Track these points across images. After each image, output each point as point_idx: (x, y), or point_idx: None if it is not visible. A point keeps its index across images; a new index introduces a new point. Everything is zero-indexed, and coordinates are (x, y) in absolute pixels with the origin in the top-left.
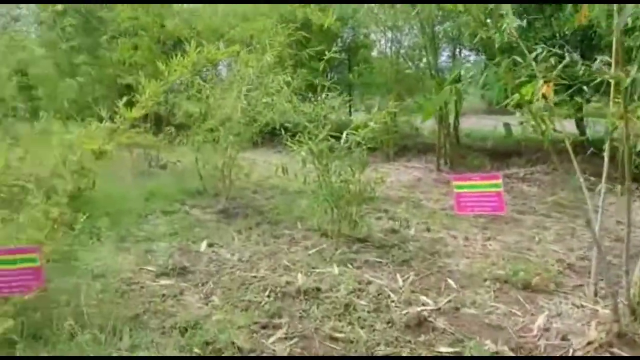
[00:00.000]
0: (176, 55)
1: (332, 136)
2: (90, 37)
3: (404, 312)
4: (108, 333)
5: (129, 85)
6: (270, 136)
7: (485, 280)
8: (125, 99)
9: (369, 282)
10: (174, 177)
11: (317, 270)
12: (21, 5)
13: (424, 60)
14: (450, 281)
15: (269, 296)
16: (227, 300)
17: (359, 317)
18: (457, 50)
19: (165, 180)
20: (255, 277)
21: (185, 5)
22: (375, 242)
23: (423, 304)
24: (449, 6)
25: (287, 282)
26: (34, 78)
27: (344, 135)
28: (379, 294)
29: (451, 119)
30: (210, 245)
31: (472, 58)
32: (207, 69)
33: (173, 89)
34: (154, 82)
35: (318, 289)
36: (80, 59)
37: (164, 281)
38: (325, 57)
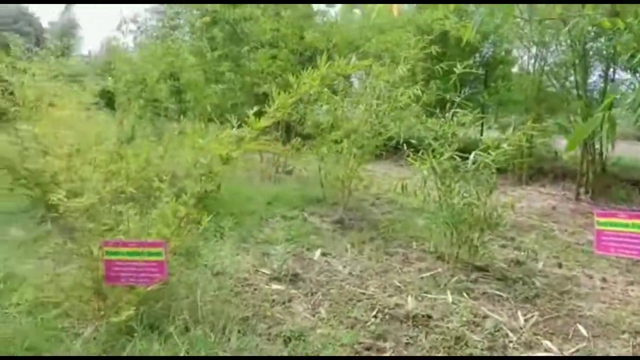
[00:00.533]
0: (311, 67)
1: (458, 155)
2: (235, 47)
3: (522, 355)
4: (218, 332)
5: (265, 94)
6: (394, 149)
7: (623, 332)
8: (255, 108)
9: (486, 317)
10: (297, 184)
11: (430, 296)
12: (180, 16)
13: (571, 78)
14: (580, 327)
15: (375, 316)
16: (333, 314)
17: (471, 354)
18: (610, 70)
19: (289, 186)
20: (364, 294)
21: (324, 18)
22: (497, 273)
23: (546, 350)
24: (605, 22)
25: (396, 304)
26: (184, 83)
27: (471, 156)
28: (495, 331)
29: (597, 144)
30: (323, 254)
31: (628, 79)
32: (338, 81)
33: (303, 100)
34: (283, 94)
35: (429, 316)
36: (224, 67)
37: (275, 286)
38: (458, 72)
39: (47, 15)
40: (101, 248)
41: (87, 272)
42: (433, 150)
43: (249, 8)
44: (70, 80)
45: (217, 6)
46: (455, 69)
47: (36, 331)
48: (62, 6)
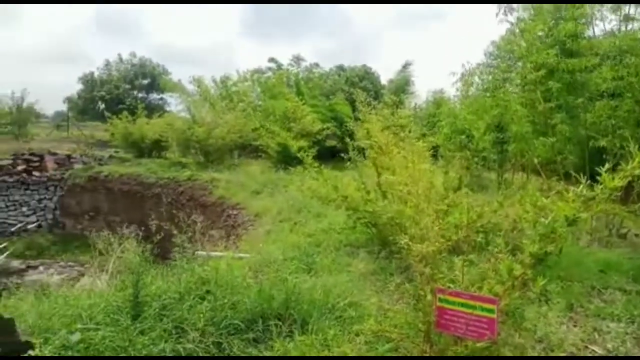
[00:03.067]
0: None
1: None
2: (571, 98)
3: None
4: None
5: (602, 148)
6: None
7: None
8: (607, 165)
9: None
10: (633, 250)
11: None
12: (512, 69)
13: None
14: None
15: None
16: None
17: None
18: None
19: (623, 251)
20: None
21: None
22: None
23: None
24: None
25: None
26: (512, 135)
27: None
28: None
29: None
30: None
31: None
32: None
33: None
34: None
35: None
36: (556, 119)
37: None
38: None
39: (386, 74)
40: (435, 294)
41: (419, 314)
42: None
43: (586, 58)
44: (399, 130)
45: (552, 59)
46: None
47: None
48: (399, 66)
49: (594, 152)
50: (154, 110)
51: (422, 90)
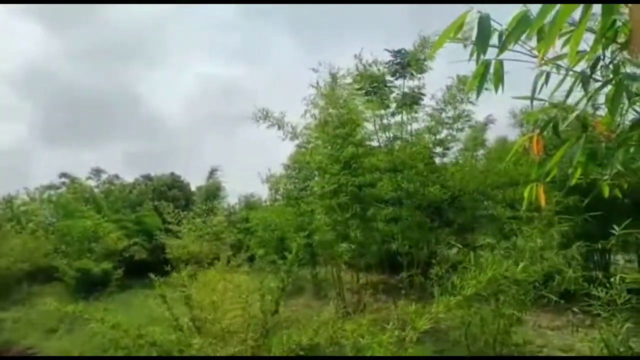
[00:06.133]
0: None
1: None
2: (361, 208)
3: None
4: None
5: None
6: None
7: None
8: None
9: None
10: (434, 341)
11: None
12: (310, 177)
13: None
14: None
15: None
16: None
17: None
18: None
19: (429, 346)
20: None
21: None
22: None
23: None
24: None
25: None
26: (317, 242)
27: None
28: None
29: None
30: None
31: None
32: None
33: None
34: (446, 298)
35: None
36: (351, 230)
37: None
38: (617, 234)
39: (195, 181)
40: None
41: None
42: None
43: (368, 176)
44: (213, 238)
45: (341, 177)
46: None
47: None
48: (206, 172)
49: (391, 250)
50: None
51: (234, 194)
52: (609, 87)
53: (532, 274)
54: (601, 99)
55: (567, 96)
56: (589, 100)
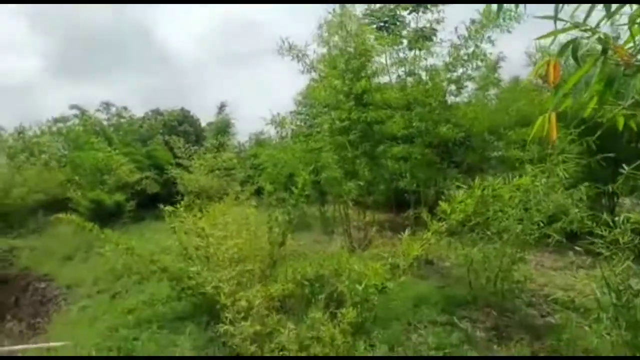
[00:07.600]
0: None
1: None
2: (370, 146)
3: None
4: None
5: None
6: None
7: None
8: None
9: None
10: (441, 279)
11: None
12: (321, 114)
13: None
14: None
15: None
16: None
17: None
18: None
19: (433, 283)
20: None
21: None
22: None
23: None
24: None
25: None
26: (324, 179)
27: None
28: None
29: None
30: None
31: None
32: None
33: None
34: (436, 223)
35: None
36: (359, 165)
37: None
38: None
39: (205, 117)
40: None
41: None
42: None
43: (382, 111)
44: (224, 174)
45: (352, 112)
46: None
47: None
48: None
49: (399, 189)
50: None
51: (244, 131)
52: (634, 7)
53: (534, 213)
54: (623, 19)
55: (587, 16)
56: (609, 18)
